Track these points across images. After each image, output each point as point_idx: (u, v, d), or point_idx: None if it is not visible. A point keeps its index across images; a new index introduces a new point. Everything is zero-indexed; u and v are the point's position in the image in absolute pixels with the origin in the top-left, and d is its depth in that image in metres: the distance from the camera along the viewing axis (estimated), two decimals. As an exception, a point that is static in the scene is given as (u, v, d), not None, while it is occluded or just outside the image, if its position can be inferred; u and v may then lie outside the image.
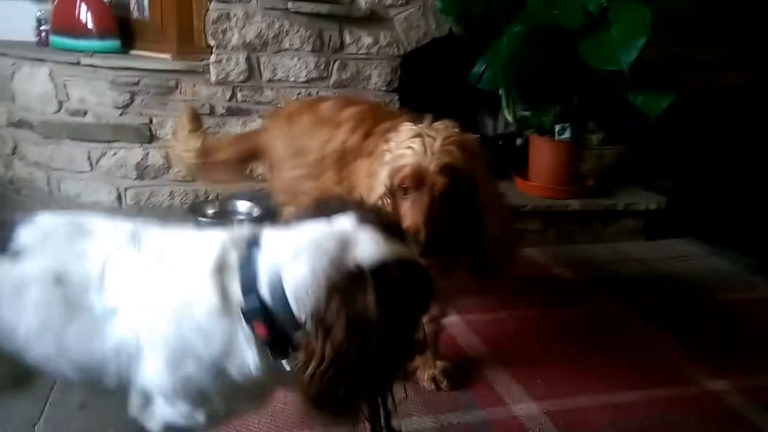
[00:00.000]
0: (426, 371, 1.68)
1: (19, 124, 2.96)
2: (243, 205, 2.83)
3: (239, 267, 0.92)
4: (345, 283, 0.84)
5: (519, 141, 3.38)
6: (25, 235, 0.97)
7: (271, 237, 0.94)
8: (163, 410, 0.97)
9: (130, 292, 0.94)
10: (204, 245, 0.95)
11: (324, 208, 0.96)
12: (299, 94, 2.92)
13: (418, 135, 1.28)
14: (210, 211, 2.81)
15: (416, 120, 1.39)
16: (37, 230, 0.98)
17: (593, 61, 2.43)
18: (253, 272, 0.90)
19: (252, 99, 2.88)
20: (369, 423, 0.94)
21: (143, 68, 2.77)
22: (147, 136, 2.84)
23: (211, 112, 2.85)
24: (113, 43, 2.91)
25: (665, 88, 2.56)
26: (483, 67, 2.71)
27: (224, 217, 2.79)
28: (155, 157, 2.88)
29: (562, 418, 1.57)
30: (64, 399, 1.50)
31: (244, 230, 0.98)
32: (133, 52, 2.98)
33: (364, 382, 0.89)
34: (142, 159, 2.87)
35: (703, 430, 1.58)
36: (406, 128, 1.33)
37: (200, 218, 2.64)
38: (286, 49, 2.85)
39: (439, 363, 1.70)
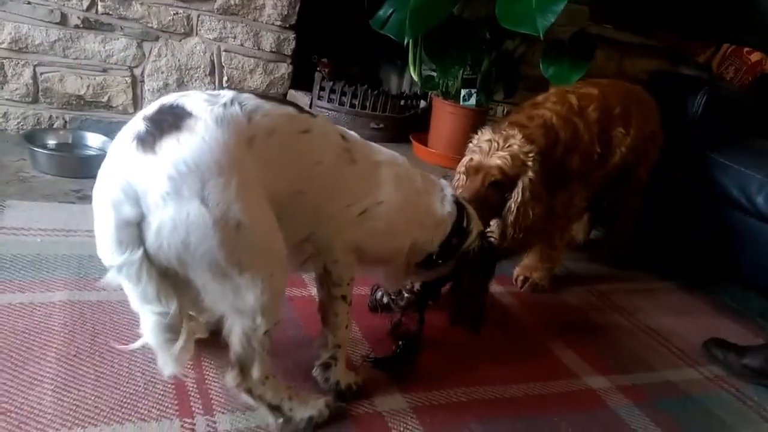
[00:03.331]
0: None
1: None
2: (95, 139, 2.39)
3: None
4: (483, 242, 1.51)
5: (423, 104, 3.16)
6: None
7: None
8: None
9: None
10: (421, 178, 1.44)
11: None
12: (175, 14, 2.48)
13: (489, 140, 1.86)
14: (51, 142, 2.35)
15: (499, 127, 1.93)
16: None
17: (509, 21, 2.23)
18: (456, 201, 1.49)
19: (116, 12, 2.41)
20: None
21: (-27, -48, 2.21)
22: (-25, 40, 2.30)
23: (62, 21, 2.35)
24: None
25: (577, 62, 2.43)
26: (389, 11, 2.42)
27: (68, 150, 2.33)
28: (-14, 67, 2.34)
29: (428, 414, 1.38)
30: None
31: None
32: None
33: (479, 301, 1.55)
34: (-33, 68, 2.33)
35: (577, 428, 1.45)
36: (486, 132, 1.91)
37: (36, 149, 2.16)
38: (165, -43, 2.40)
39: None
